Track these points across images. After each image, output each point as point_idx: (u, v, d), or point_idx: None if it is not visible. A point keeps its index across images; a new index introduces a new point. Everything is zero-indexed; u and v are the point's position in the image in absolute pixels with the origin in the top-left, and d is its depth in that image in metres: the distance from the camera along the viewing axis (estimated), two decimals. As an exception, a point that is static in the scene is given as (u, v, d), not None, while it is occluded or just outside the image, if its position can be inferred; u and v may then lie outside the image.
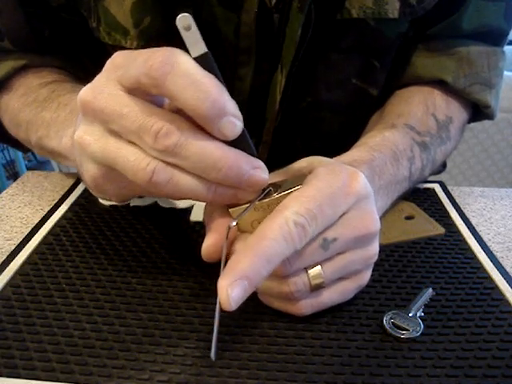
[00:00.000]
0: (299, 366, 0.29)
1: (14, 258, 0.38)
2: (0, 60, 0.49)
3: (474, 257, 0.40)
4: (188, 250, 0.40)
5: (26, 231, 0.42)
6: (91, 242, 0.40)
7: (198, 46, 0.25)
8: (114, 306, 0.33)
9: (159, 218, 0.44)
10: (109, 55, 0.28)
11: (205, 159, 0.26)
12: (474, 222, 0.46)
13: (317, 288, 0.30)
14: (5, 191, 0.51)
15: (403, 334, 0.31)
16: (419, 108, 0.50)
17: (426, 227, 0.44)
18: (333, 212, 0.29)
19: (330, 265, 0.30)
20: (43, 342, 0.30)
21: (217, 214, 0.30)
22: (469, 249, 0.41)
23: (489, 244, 0.42)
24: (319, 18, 0.44)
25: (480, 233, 0.44)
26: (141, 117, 0.26)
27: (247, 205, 0.29)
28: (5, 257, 0.38)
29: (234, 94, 0.30)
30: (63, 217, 0.44)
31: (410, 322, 0.32)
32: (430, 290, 0.35)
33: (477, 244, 0.42)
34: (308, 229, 0.28)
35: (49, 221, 0.43)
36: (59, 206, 0.46)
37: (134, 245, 0.40)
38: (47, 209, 0.46)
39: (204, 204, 0.32)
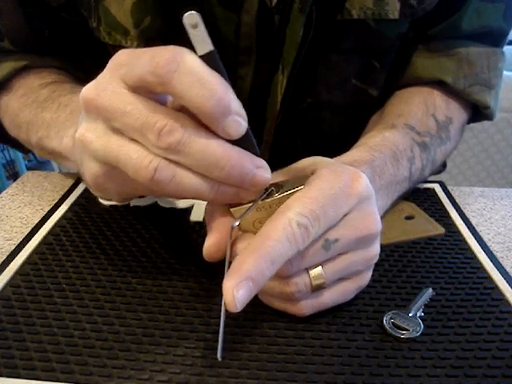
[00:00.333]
0: (299, 366, 0.29)
1: (14, 257, 0.38)
2: (0, 61, 0.49)
3: (473, 257, 0.40)
4: (188, 250, 0.40)
5: (26, 231, 0.42)
6: (91, 241, 0.40)
7: (205, 44, 0.25)
8: (114, 306, 0.33)
9: (159, 217, 0.44)
10: (109, 55, 0.28)
11: (208, 157, 0.26)
12: (474, 222, 0.46)
13: (318, 288, 0.30)
14: (5, 191, 0.51)
15: (403, 334, 0.31)
16: (419, 108, 0.50)
17: (426, 227, 0.44)
18: (335, 213, 0.29)
19: (331, 265, 0.30)
20: (43, 341, 0.30)
21: (218, 214, 0.30)
22: (469, 249, 0.41)
23: (489, 244, 0.42)
24: (319, 19, 0.44)
25: (480, 233, 0.44)
26: (144, 114, 0.26)
27: (249, 204, 0.29)
28: (5, 257, 0.38)
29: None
30: (63, 217, 0.44)
31: (409, 322, 0.32)
32: (430, 290, 0.35)
33: (477, 244, 0.42)
34: (311, 230, 0.28)
35: (49, 221, 0.43)
36: (59, 206, 0.46)
37: (133, 245, 0.40)
38: (47, 209, 0.46)
39: (204, 204, 0.32)
